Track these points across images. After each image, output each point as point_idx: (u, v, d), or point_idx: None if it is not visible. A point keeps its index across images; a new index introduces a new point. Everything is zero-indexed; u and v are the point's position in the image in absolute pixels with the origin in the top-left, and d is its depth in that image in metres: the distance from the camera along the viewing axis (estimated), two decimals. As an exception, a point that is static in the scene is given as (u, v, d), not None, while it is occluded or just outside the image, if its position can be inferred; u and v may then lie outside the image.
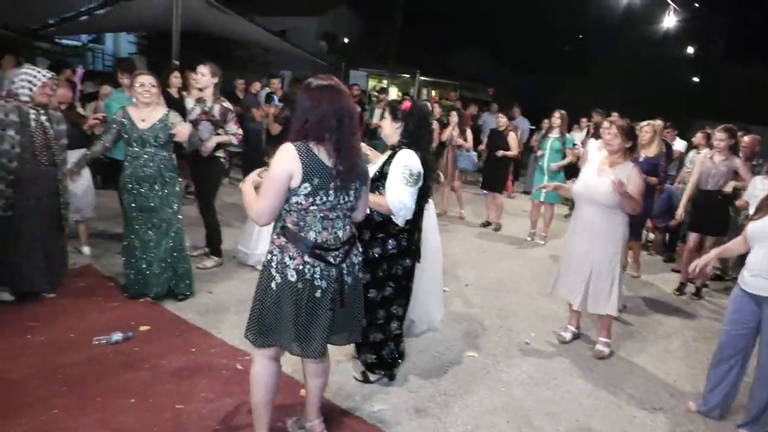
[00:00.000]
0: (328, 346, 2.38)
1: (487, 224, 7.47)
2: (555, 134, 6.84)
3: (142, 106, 3.83)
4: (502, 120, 7.14)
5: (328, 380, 2.61)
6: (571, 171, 7.88)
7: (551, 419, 3.07)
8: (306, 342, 2.26)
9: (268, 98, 8.63)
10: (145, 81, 3.79)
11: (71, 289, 4.02)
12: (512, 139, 7.08)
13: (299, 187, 2.14)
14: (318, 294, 2.22)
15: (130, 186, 3.84)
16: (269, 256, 2.25)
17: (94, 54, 17.17)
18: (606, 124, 4.10)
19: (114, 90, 5.53)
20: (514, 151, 7.12)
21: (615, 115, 9.44)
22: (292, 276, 2.19)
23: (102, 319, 3.63)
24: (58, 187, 3.72)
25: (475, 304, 4.65)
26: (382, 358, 3.20)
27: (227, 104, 4.79)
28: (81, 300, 3.89)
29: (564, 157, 6.78)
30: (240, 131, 4.74)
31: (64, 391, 2.81)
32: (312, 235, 2.20)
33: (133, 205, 3.87)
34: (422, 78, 19.99)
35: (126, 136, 3.81)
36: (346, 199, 2.25)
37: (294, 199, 2.17)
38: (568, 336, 4.06)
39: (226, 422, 2.71)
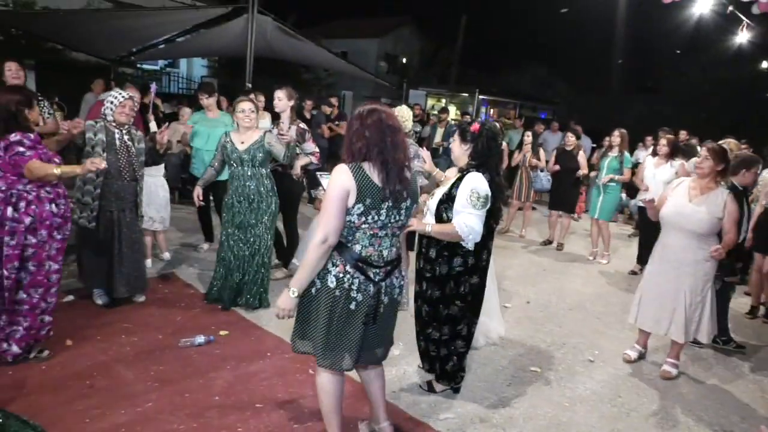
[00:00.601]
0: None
1: (547, 243, 7.44)
2: (614, 153, 6.77)
3: (243, 129, 4.13)
4: (572, 139, 7.12)
5: (385, 381, 2.72)
6: (631, 189, 7.74)
7: (616, 436, 3.09)
8: (333, 352, 2.36)
9: (343, 117, 9.02)
10: (245, 107, 4.10)
11: (157, 295, 4.38)
12: (581, 157, 7.05)
13: (353, 206, 2.27)
14: (352, 306, 2.33)
15: (231, 203, 4.14)
16: None
17: (170, 77, 18.29)
18: (702, 150, 3.92)
19: (196, 112, 5.92)
20: (584, 170, 7.09)
21: (683, 134, 9.27)
22: (331, 282, 2.31)
23: (186, 323, 3.93)
24: (137, 200, 4.07)
25: (537, 321, 4.68)
26: (446, 371, 3.30)
27: (303, 125, 5.06)
28: (166, 305, 4.22)
29: (621, 175, 6.68)
30: (317, 149, 5.00)
31: (157, 387, 3.08)
32: (357, 248, 2.32)
33: (231, 221, 4.16)
34: (481, 97, 20.09)
35: (228, 157, 4.12)
36: (397, 218, 2.38)
37: (347, 218, 2.29)
38: (634, 355, 4.03)
39: (302, 422, 2.89)
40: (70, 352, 3.36)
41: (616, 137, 6.74)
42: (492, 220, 3.15)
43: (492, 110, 22.54)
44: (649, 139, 9.96)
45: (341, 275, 2.32)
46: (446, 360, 3.27)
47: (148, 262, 5.04)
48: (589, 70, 26.39)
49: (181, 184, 8.02)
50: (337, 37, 22.64)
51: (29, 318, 3.10)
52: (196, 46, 11.62)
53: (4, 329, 3.07)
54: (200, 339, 3.62)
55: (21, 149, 2.95)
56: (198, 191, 4.32)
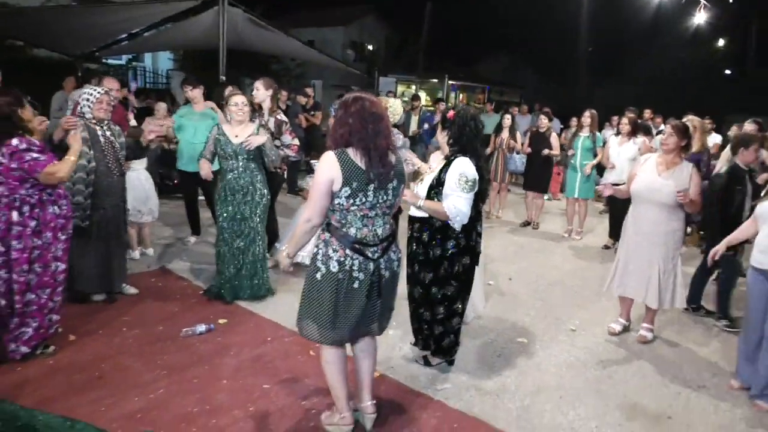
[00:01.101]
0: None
1: (526, 224, 7.69)
2: (585, 133, 7.03)
3: (236, 123, 4.19)
4: (544, 121, 7.35)
5: (376, 361, 2.87)
6: (600, 168, 8.05)
7: (600, 396, 3.32)
8: (336, 330, 2.53)
9: (317, 107, 9.10)
10: (239, 101, 4.16)
11: (151, 289, 4.44)
12: (554, 139, 7.32)
13: (340, 190, 2.42)
14: (355, 285, 2.49)
15: (225, 196, 4.19)
16: (316, 249, 2.54)
17: (136, 71, 17.96)
18: (667, 127, 4.13)
19: (184, 105, 5.90)
20: (556, 150, 7.35)
21: (648, 113, 9.63)
22: (334, 267, 2.47)
23: (183, 314, 4.02)
24: (124, 195, 4.12)
25: (519, 296, 4.92)
26: (442, 347, 3.48)
27: (282, 116, 5.13)
28: (161, 298, 4.30)
29: (595, 155, 6.96)
30: (296, 141, 5.08)
31: (165, 375, 3.19)
32: (352, 231, 2.47)
33: (225, 215, 4.20)
34: (450, 82, 20.30)
35: (222, 151, 4.16)
36: (385, 198, 2.52)
37: (336, 201, 2.45)
38: (618, 328, 4.25)
39: (309, 399, 3.04)
40: (75, 346, 3.43)
41: (586, 118, 7.00)
42: (480, 201, 3.32)
43: (461, 95, 22.80)
44: (614, 119, 10.33)
45: (342, 259, 2.47)
46: (442, 337, 3.43)
47: (136, 254, 5.09)
48: (555, 57, 26.86)
49: (159, 179, 8.01)
50: (303, 26, 22.50)
51: (38, 318, 3.16)
52: (164, 39, 11.46)
53: (13, 331, 3.12)
54: (201, 328, 3.72)
55: (34, 155, 2.99)
56: (207, 166, 4.35)
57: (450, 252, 3.24)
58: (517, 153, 7.90)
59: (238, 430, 2.74)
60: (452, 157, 3.20)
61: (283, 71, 15.46)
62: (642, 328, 4.15)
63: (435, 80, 20.88)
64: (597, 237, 7.23)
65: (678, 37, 19.46)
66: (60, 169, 3.08)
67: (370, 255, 2.51)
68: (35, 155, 3.00)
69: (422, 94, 20.03)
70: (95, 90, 3.85)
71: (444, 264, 3.26)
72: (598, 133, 7.16)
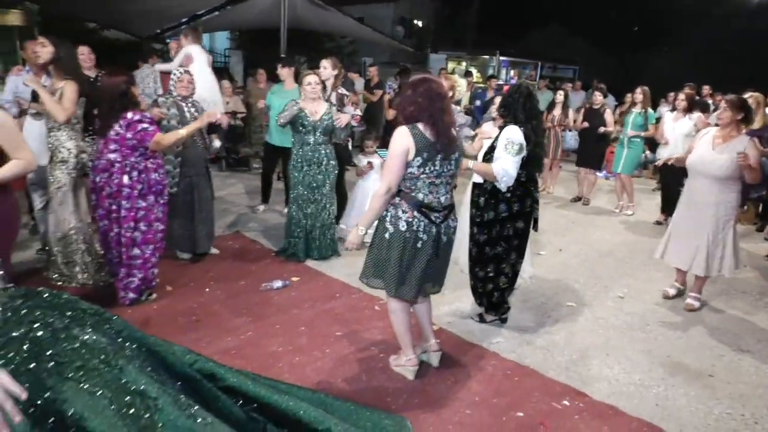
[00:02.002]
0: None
1: (577, 199, 7.81)
2: (637, 109, 7.05)
3: (309, 101, 4.55)
4: (599, 98, 7.41)
5: (431, 305, 3.25)
6: (654, 144, 8.03)
7: (646, 355, 3.57)
8: (403, 285, 2.87)
9: (380, 85, 9.37)
10: (312, 80, 4.52)
11: (228, 250, 4.92)
12: (608, 115, 7.36)
13: (413, 159, 2.75)
14: (419, 245, 2.82)
15: (301, 166, 4.59)
16: (386, 212, 2.85)
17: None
18: (722, 102, 4.25)
19: (276, 84, 6.28)
20: (611, 127, 7.41)
21: (706, 89, 9.47)
22: (402, 226, 2.79)
23: (260, 272, 4.47)
24: (207, 165, 4.57)
25: (569, 265, 5.15)
26: (492, 304, 3.81)
27: (343, 91, 5.50)
28: (239, 258, 4.77)
29: (645, 130, 6.99)
30: (358, 112, 5.45)
31: (251, 321, 3.64)
32: (420, 196, 2.80)
33: (299, 182, 4.60)
34: (502, 58, 20.14)
35: (301, 125, 4.52)
36: (449, 168, 2.84)
37: (409, 170, 2.77)
38: (672, 291, 4.46)
39: (378, 346, 3.43)
40: (172, 296, 3.93)
41: (638, 94, 7.03)
42: (535, 169, 3.59)
43: (513, 71, 22.58)
44: (671, 95, 10.19)
45: (410, 220, 2.81)
46: (491, 294, 3.76)
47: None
48: (610, 30, 26.02)
49: (225, 153, 8.55)
50: (352, 3, 22.68)
51: (143, 270, 3.66)
52: (224, 20, 11.97)
53: (122, 280, 3.63)
54: (278, 283, 4.16)
55: (145, 125, 3.46)
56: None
57: (502, 215, 3.55)
58: (569, 131, 7.99)
59: (318, 367, 3.15)
60: (504, 126, 3.52)
61: (335, 49, 15.74)
62: (689, 297, 4.33)
63: (486, 56, 20.77)
64: (649, 213, 7.30)
65: (738, 8, 18.58)
66: (166, 138, 3.54)
67: (433, 219, 2.84)
68: (146, 125, 3.47)
69: (473, 70, 20.01)
70: (178, 70, 4.30)
71: (496, 226, 3.57)
72: (650, 110, 7.18)
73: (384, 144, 5.66)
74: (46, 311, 1.55)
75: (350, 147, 7.90)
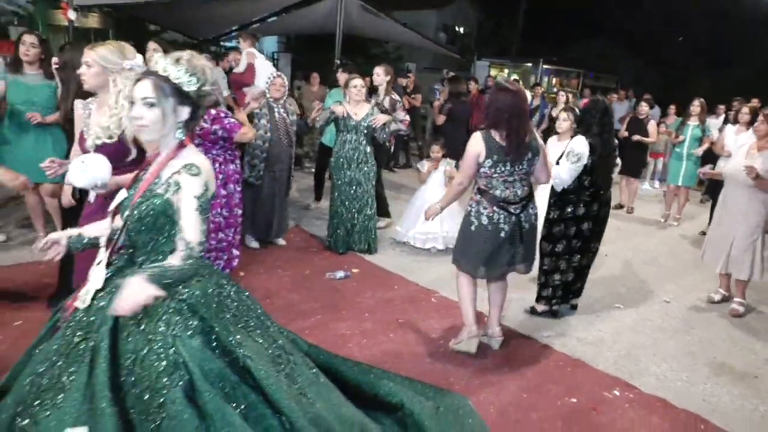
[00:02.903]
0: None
1: (619, 207, 7.92)
2: (694, 122, 7.15)
3: (354, 103, 4.89)
4: (645, 108, 7.55)
5: (505, 297, 3.54)
6: (708, 157, 8.08)
7: (690, 356, 3.74)
8: (491, 268, 3.28)
9: (416, 90, 9.66)
10: (357, 83, 4.86)
11: (291, 242, 5.27)
12: (651, 126, 7.50)
13: (484, 161, 3.12)
14: (502, 234, 3.20)
15: (342, 163, 4.92)
16: (469, 208, 3.29)
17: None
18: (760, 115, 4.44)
19: (334, 88, 6.65)
20: (652, 138, 7.53)
21: (755, 101, 9.42)
22: (484, 221, 3.20)
23: (323, 263, 4.79)
24: (291, 162, 4.93)
25: (615, 270, 5.32)
26: (542, 296, 4.07)
27: (395, 96, 5.81)
28: (301, 249, 5.11)
29: (701, 143, 7.09)
30: (407, 118, 5.72)
31: (319, 306, 3.95)
32: (498, 192, 3.18)
33: (342, 180, 4.93)
34: (545, 66, 20.19)
35: (344, 125, 4.87)
36: (521, 167, 3.18)
37: (482, 170, 3.18)
38: (717, 297, 4.63)
39: (437, 332, 3.70)
40: (246, 280, 4.27)
41: (696, 107, 7.13)
42: (601, 177, 3.86)
43: (555, 79, 22.56)
44: (721, 108, 10.14)
45: (491, 215, 3.19)
46: (543, 287, 4.04)
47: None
48: (653, 42, 25.75)
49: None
50: (397, 8, 23.06)
51: (226, 252, 4.03)
52: (278, 26, 12.49)
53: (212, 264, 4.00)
54: (341, 274, 4.47)
55: (231, 119, 3.84)
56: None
57: (567, 216, 3.83)
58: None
59: (384, 348, 3.44)
60: (574, 136, 3.81)
61: (382, 54, 16.15)
62: (734, 302, 4.46)
63: (529, 64, 20.83)
64: (695, 224, 7.37)
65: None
66: (250, 131, 3.92)
67: (512, 211, 3.19)
68: (231, 120, 3.84)
69: (515, 78, 20.09)
70: (271, 74, 4.68)
71: (560, 225, 3.85)
72: (707, 122, 7.27)
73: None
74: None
75: (391, 150, 8.19)
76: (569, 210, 3.83)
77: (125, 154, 2.57)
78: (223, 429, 1.60)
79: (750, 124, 6.51)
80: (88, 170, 2.32)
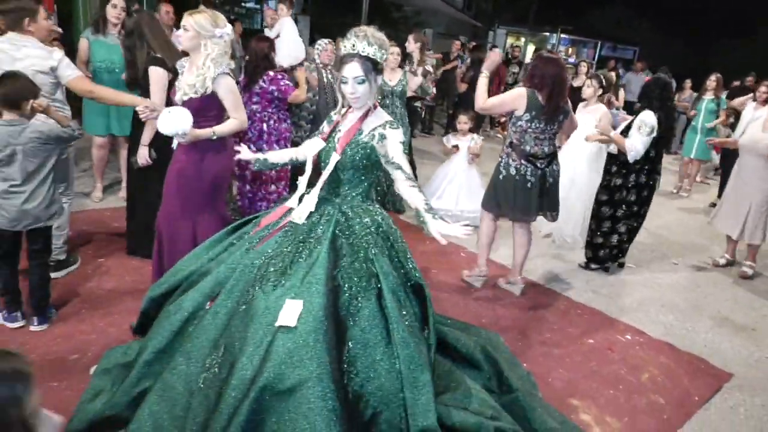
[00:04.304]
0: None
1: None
2: (709, 96, 7.40)
3: (389, 70, 5.19)
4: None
5: (529, 247, 3.96)
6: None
7: (695, 310, 4.14)
8: (520, 212, 3.73)
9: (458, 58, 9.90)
10: (393, 50, 5.15)
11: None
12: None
13: (523, 115, 3.53)
14: (528, 185, 3.64)
15: None
16: (500, 159, 3.75)
17: (261, 14, 19.36)
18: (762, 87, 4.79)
19: None
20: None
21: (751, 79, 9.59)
22: (512, 171, 3.65)
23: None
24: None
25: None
26: (598, 256, 4.53)
27: (429, 67, 6.09)
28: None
29: (717, 117, 7.35)
30: (434, 91, 6.03)
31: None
32: (528, 148, 3.60)
33: None
34: (562, 36, 20.15)
35: (381, 91, 5.17)
36: (552, 127, 3.61)
37: (519, 123, 3.58)
38: (722, 261, 5.01)
39: (463, 270, 4.11)
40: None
41: (712, 81, 7.37)
42: (663, 147, 4.31)
43: (570, 49, 22.50)
44: (736, 84, 10.30)
45: (519, 167, 3.60)
46: (600, 248, 4.51)
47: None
48: (673, 13, 25.38)
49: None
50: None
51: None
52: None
53: (259, 212, 4.38)
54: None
55: (287, 81, 4.18)
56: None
57: (630, 184, 4.28)
58: (617, 109, 8.37)
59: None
60: (641, 110, 4.21)
61: (401, 19, 16.20)
62: (744, 265, 4.85)
63: (546, 33, 20.79)
64: (706, 195, 7.70)
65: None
66: (302, 93, 4.28)
67: (539, 165, 3.61)
68: (287, 81, 4.18)
69: (530, 47, 20.11)
70: (323, 41, 4.98)
71: (622, 192, 4.31)
72: (723, 96, 7.51)
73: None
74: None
75: (423, 114, 8.50)
76: (632, 178, 4.27)
77: (207, 110, 2.93)
78: (397, 327, 2.05)
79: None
80: (173, 119, 2.71)
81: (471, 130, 5.62)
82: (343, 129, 2.40)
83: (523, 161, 3.61)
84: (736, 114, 7.09)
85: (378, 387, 2.00)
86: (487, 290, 4.01)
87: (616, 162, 4.32)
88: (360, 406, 1.98)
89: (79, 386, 2.44)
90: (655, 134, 4.08)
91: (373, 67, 2.28)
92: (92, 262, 3.71)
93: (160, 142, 3.30)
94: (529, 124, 3.55)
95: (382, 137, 2.31)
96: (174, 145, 3.01)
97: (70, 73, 3.13)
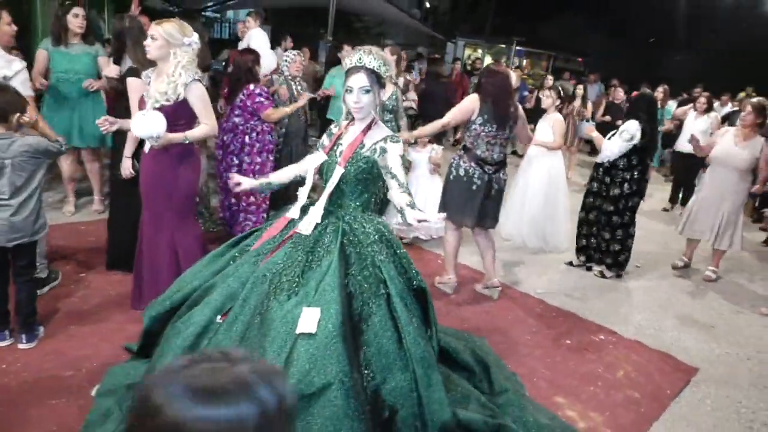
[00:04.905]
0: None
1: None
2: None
3: None
4: (620, 94, 8.21)
5: (494, 251, 4.15)
6: (667, 139, 8.81)
7: (662, 309, 4.40)
8: (464, 217, 3.90)
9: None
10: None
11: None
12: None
13: (476, 118, 3.80)
14: (474, 188, 3.85)
15: None
16: (452, 160, 3.97)
17: (221, 24, 19.22)
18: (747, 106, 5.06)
19: (334, 67, 6.96)
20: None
21: (725, 98, 10.18)
22: (461, 172, 3.87)
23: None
24: (306, 136, 5.33)
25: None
26: (618, 262, 4.81)
27: (409, 76, 6.24)
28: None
29: (662, 125, 7.79)
30: (416, 98, 6.17)
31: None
32: (479, 152, 3.84)
33: None
34: (517, 48, 20.75)
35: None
36: (503, 133, 3.87)
37: (473, 127, 3.81)
38: (680, 264, 5.31)
39: (449, 288, 4.24)
40: (272, 242, 4.71)
41: (659, 92, 7.82)
42: (647, 156, 4.63)
43: (525, 61, 23.20)
44: (725, 98, 10.73)
45: (468, 169, 3.83)
46: (619, 254, 4.79)
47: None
48: (622, 24, 26.53)
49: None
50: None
51: (256, 214, 4.43)
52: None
53: (241, 223, 4.41)
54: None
55: (261, 99, 4.21)
56: None
57: (626, 192, 4.57)
58: (587, 120, 8.74)
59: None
60: (625, 120, 4.56)
61: (363, 30, 16.38)
62: (708, 270, 5.17)
63: (503, 45, 21.38)
64: (656, 201, 8.11)
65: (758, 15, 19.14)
66: (275, 113, 4.31)
67: (486, 170, 3.84)
68: (262, 99, 4.22)
69: (487, 59, 20.62)
70: (292, 53, 5.02)
71: (622, 200, 4.58)
72: (668, 106, 7.95)
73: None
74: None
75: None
76: (627, 186, 4.56)
77: (178, 117, 2.97)
78: (407, 329, 2.17)
79: (706, 111, 7.22)
80: (148, 123, 2.75)
81: (431, 141, 5.66)
82: (345, 142, 2.47)
83: (473, 164, 3.84)
84: (680, 123, 7.56)
85: (394, 387, 2.09)
86: (466, 295, 4.16)
87: (605, 171, 4.63)
88: (378, 406, 2.07)
89: (79, 403, 2.44)
90: (635, 142, 4.38)
91: (377, 80, 2.38)
92: (73, 277, 3.65)
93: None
94: (482, 128, 3.79)
95: (384, 151, 2.40)
96: (146, 148, 3.01)
97: (25, 93, 3.04)
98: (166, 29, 2.87)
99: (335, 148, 2.50)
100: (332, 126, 2.66)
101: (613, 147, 4.42)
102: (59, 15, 4.30)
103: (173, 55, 2.90)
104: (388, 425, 2.07)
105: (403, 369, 2.12)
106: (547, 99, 5.17)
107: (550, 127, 5.12)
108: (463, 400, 2.40)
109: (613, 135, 4.54)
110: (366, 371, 2.08)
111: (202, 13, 15.03)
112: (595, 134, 4.74)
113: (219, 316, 2.24)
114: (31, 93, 3.14)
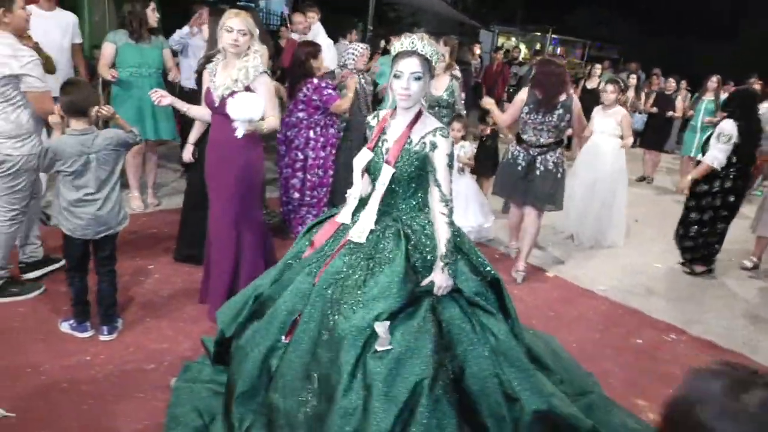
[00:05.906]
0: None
1: (642, 179, 8.35)
2: (709, 96, 7.57)
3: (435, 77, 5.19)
4: (672, 84, 7.96)
5: (534, 240, 4.30)
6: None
7: (728, 307, 4.26)
8: (511, 195, 4.33)
9: None
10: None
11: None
12: (679, 101, 7.92)
13: (524, 107, 4.06)
14: (519, 168, 4.12)
15: None
16: (507, 146, 4.31)
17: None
18: None
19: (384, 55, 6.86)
20: (679, 113, 7.97)
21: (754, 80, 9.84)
22: (509, 156, 4.22)
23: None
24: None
25: (646, 236, 5.81)
26: (705, 257, 4.77)
27: (457, 72, 6.06)
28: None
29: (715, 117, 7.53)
30: (464, 94, 6.04)
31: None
32: (525, 137, 4.11)
33: None
34: (552, 36, 20.35)
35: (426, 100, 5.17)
36: (551, 119, 4.00)
37: (522, 116, 4.09)
38: (749, 264, 5.09)
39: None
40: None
41: (713, 82, 7.54)
42: (746, 153, 4.45)
43: (559, 49, 22.73)
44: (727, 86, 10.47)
45: (514, 152, 4.19)
46: (695, 250, 4.77)
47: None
48: (660, 12, 25.80)
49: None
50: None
51: (317, 208, 4.42)
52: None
53: (303, 217, 4.40)
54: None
55: (329, 91, 4.17)
56: None
57: (714, 189, 4.49)
58: (639, 113, 8.50)
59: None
60: (721, 120, 4.48)
61: (396, 19, 16.25)
62: (748, 260, 5.07)
63: (537, 33, 20.98)
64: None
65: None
66: (344, 103, 4.26)
67: (531, 153, 4.10)
68: (330, 92, 4.18)
69: (522, 47, 20.28)
70: (359, 46, 4.94)
71: (707, 197, 4.53)
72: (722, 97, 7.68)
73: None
74: None
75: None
76: (717, 184, 4.47)
77: None
78: (488, 321, 2.16)
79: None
80: (248, 104, 2.68)
81: (464, 137, 5.35)
82: (390, 137, 2.25)
83: (519, 147, 4.13)
84: None
85: (475, 376, 2.08)
86: (529, 291, 4.09)
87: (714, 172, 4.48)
88: (464, 400, 2.05)
89: (164, 397, 2.45)
90: (734, 141, 4.29)
91: (429, 67, 2.18)
92: (143, 269, 3.69)
93: (204, 144, 3.27)
94: (528, 116, 4.02)
95: (434, 146, 2.17)
96: (239, 133, 2.75)
97: (37, 86, 2.96)
98: (248, 21, 2.86)
99: (380, 144, 2.28)
100: (370, 118, 2.40)
101: (717, 154, 4.33)
102: (137, 10, 4.28)
103: (252, 46, 2.91)
104: (476, 416, 2.06)
105: (487, 360, 2.08)
106: (611, 94, 5.00)
107: (618, 123, 4.94)
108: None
109: (707, 140, 4.48)
110: (450, 365, 2.06)
111: (237, 3, 15.06)
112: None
113: (284, 337, 2.16)
114: (48, 87, 3.02)
